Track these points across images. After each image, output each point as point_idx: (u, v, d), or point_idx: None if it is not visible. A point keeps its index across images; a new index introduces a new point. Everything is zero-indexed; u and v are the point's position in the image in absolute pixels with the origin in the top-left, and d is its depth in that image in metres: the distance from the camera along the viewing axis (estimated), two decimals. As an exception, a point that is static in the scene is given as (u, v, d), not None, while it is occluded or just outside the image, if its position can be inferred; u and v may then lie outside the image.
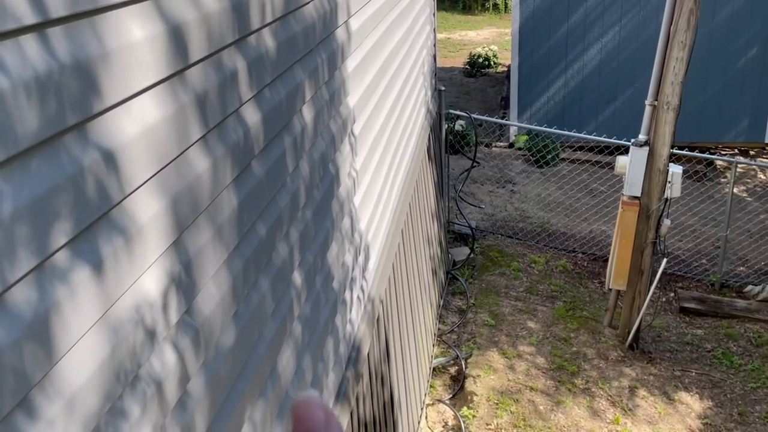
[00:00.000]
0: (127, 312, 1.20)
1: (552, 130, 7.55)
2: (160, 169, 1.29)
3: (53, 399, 1.01)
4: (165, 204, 1.31)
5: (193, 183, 1.44)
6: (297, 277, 2.28)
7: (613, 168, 5.79)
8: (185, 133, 1.40)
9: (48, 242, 1.01)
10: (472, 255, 6.93)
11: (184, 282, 1.40)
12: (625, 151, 5.43)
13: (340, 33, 2.84)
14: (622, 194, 5.36)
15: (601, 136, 7.18)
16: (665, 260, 5.38)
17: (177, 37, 1.37)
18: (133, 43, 1.20)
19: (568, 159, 9.00)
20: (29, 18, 0.95)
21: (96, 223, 1.11)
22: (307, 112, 2.40)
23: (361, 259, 3.22)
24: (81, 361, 1.07)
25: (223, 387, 1.63)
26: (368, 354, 3.29)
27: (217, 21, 1.57)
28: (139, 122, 1.22)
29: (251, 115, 1.83)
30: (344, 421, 2.78)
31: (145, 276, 1.25)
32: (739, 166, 7.32)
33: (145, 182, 1.24)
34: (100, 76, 1.11)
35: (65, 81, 1.03)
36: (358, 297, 3.18)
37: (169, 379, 1.33)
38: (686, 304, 6.39)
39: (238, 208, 1.72)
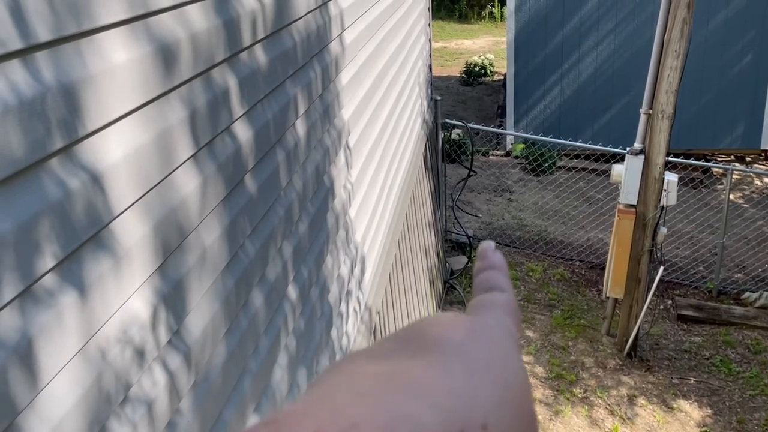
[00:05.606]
0: (116, 334, 1.19)
1: (548, 138, 7.56)
2: (148, 191, 1.29)
3: (40, 424, 1.00)
4: (153, 225, 1.30)
5: (183, 203, 1.43)
6: (291, 292, 2.28)
7: (609, 176, 5.79)
8: (174, 153, 1.40)
9: (33, 267, 1.00)
10: (469, 264, 6.92)
11: (173, 302, 1.39)
12: (621, 159, 5.43)
13: (334, 46, 2.84)
14: (618, 202, 5.36)
15: (597, 144, 7.19)
16: (662, 268, 5.38)
17: (165, 58, 1.36)
18: (119, 65, 1.20)
19: (564, 167, 9.01)
20: (16, 44, 0.95)
21: (82, 246, 1.11)
22: (301, 126, 2.40)
23: (357, 270, 3.22)
24: (68, 383, 1.07)
25: (216, 404, 1.62)
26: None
27: (207, 39, 1.57)
28: (125, 144, 1.22)
29: (243, 131, 1.83)
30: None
31: (133, 298, 1.24)
32: (735, 172, 7.32)
33: (132, 204, 1.23)
34: (85, 100, 1.10)
35: (50, 106, 1.03)
36: (355, 309, 3.17)
37: (159, 400, 1.33)
38: (684, 312, 6.38)
39: (229, 225, 1.71)
